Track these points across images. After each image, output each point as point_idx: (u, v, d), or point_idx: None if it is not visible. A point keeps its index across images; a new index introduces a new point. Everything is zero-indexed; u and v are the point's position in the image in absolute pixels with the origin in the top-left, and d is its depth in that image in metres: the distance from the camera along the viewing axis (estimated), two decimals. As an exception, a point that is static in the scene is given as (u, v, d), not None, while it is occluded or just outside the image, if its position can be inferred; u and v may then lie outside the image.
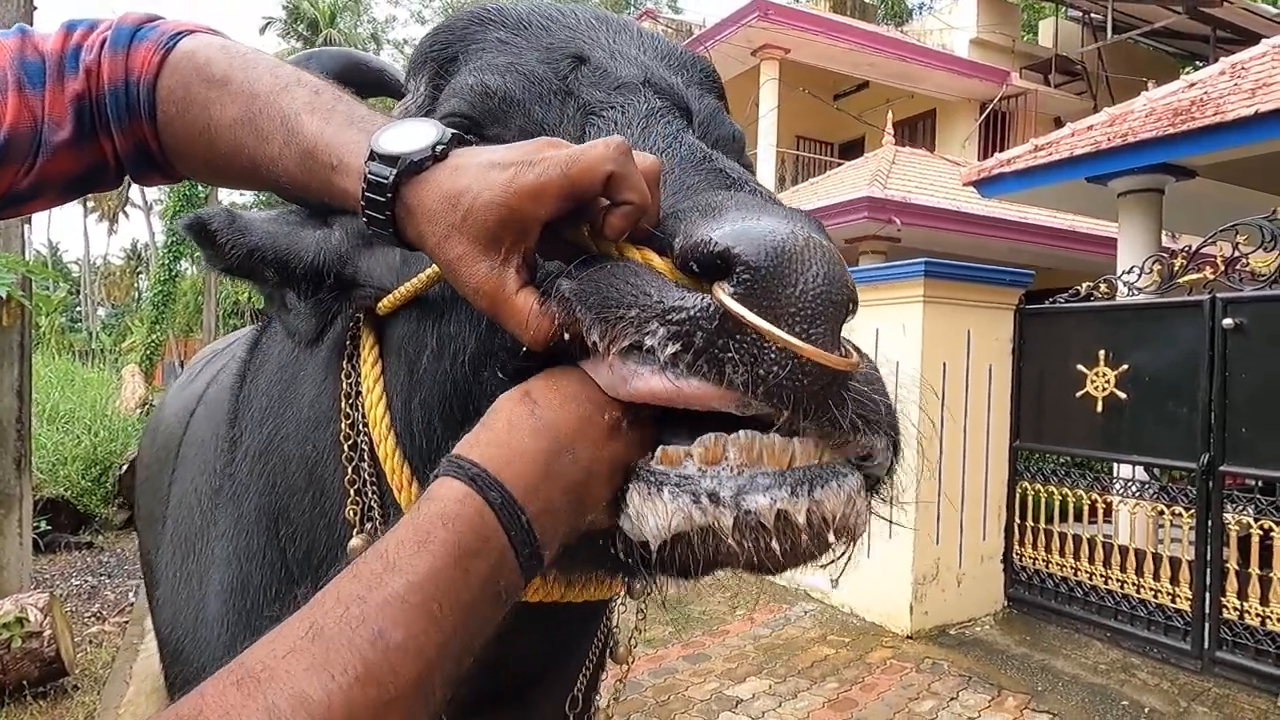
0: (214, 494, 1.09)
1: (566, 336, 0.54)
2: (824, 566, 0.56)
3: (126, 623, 5.38)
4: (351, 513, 0.82)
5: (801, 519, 0.49)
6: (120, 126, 0.74)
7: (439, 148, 0.59)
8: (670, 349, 0.49)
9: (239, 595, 1.00)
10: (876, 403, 0.53)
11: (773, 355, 0.48)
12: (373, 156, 0.60)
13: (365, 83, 0.98)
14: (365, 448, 0.81)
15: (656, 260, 0.54)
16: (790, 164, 15.87)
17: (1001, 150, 9.55)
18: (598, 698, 1.06)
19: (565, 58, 0.73)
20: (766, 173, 14.15)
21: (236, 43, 0.75)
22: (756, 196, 0.59)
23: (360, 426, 0.82)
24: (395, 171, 0.58)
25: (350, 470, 0.82)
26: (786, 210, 0.55)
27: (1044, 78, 15.72)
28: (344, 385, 0.83)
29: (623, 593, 0.97)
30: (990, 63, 15.25)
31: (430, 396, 0.71)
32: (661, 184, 0.58)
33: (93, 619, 5.48)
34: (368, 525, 0.82)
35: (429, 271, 0.71)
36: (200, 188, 17.78)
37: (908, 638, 5.15)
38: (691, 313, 0.49)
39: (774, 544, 0.49)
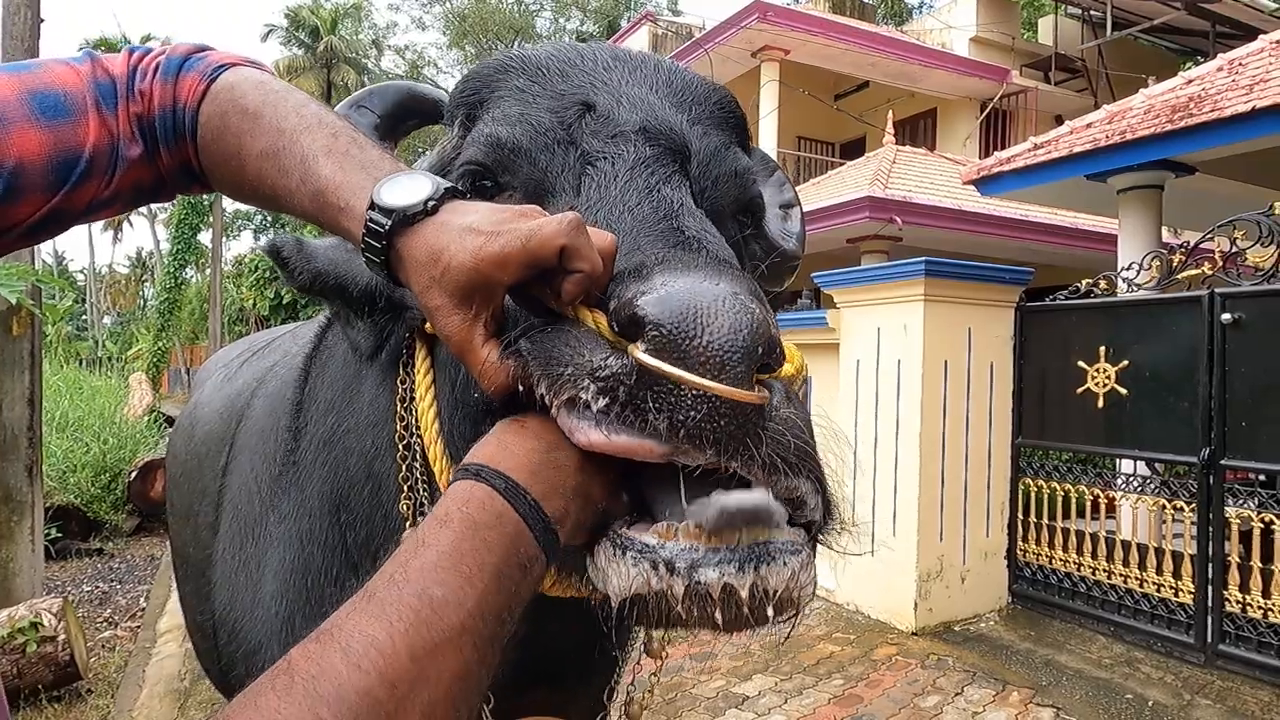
0: (274, 480, 1.16)
1: (522, 389, 0.61)
2: (770, 633, 0.61)
3: (139, 627, 5.44)
4: (405, 506, 0.89)
5: (745, 593, 0.54)
6: (168, 146, 0.82)
7: (430, 203, 0.66)
8: (600, 402, 0.55)
9: (300, 575, 1.07)
10: (792, 444, 0.57)
11: (689, 401, 0.54)
12: (372, 206, 0.67)
13: (423, 111, 1.04)
14: (418, 449, 0.88)
15: (601, 321, 0.60)
16: (792, 165, 15.91)
17: (1002, 148, 9.57)
18: (632, 689, 1.11)
19: (573, 105, 0.79)
20: (768, 174, 14.17)
21: (273, 79, 0.83)
22: (692, 254, 0.65)
23: (413, 429, 0.89)
24: (390, 223, 0.66)
25: (404, 468, 0.89)
26: (713, 269, 0.60)
27: (1044, 75, 15.74)
28: (400, 390, 0.90)
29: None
30: (990, 61, 15.28)
31: (472, 411, 0.78)
32: (619, 248, 0.65)
33: (105, 624, 5.54)
34: (419, 519, 0.88)
35: None
36: (204, 199, 17.87)
37: (913, 634, 5.18)
38: (614, 370, 0.56)
39: (718, 613, 0.54)
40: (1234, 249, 4.52)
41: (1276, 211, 4.33)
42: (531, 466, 0.58)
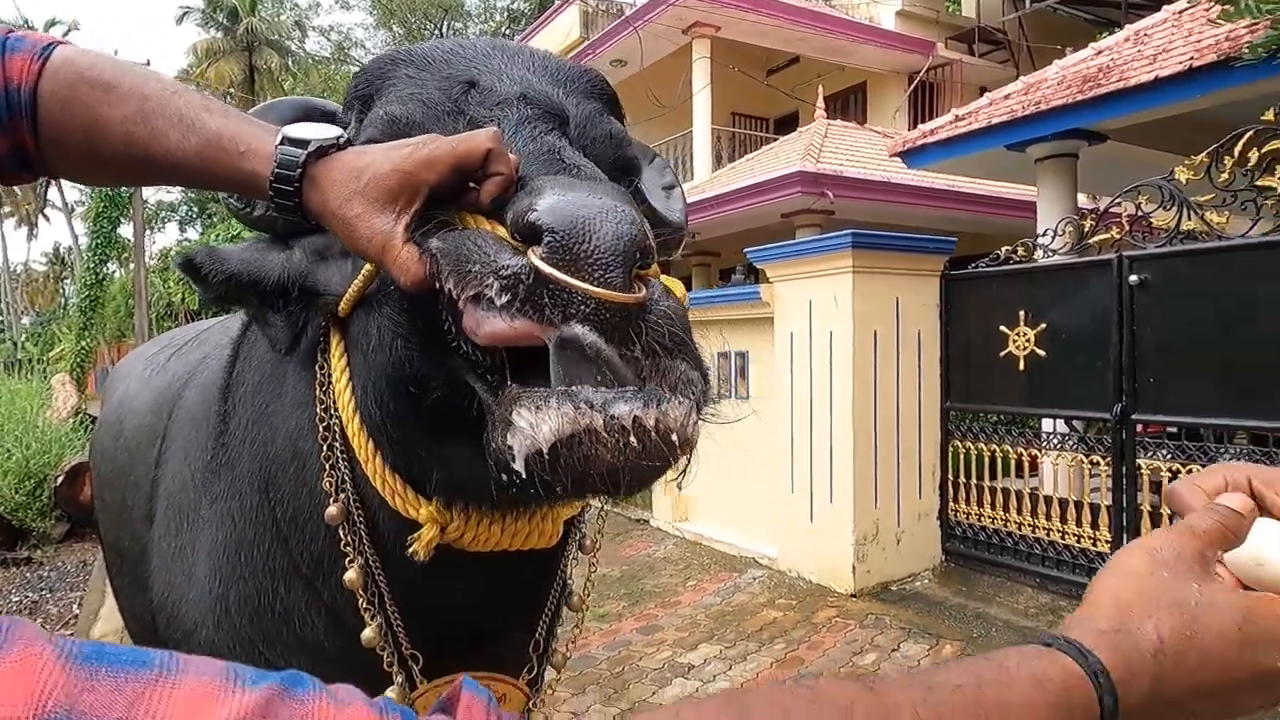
0: (206, 467, 1.21)
1: (437, 285, 0.67)
2: (672, 476, 0.69)
3: (72, 634, 5.28)
4: (328, 483, 0.97)
5: (651, 424, 0.62)
6: (2, 129, 0.81)
7: (342, 139, 0.74)
8: (503, 298, 0.63)
9: (233, 551, 1.11)
10: (668, 332, 0.66)
11: (579, 299, 0.62)
12: (284, 141, 0.73)
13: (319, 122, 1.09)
14: (337, 428, 0.95)
15: (501, 230, 0.67)
16: (726, 141, 15.99)
17: (931, 121, 9.79)
18: (555, 644, 1.17)
19: (459, 84, 0.87)
20: (702, 151, 14.25)
21: (109, 54, 0.85)
22: (575, 178, 0.73)
23: (332, 410, 0.96)
24: (306, 152, 0.72)
25: (325, 447, 0.97)
26: (593, 186, 0.68)
27: (968, 48, 16.07)
28: (318, 375, 0.98)
29: (574, 549, 1.11)
30: (916, 34, 15.52)
31: (380, 378, 0.86)
32: (519, 169, 0.73)
33: (36, 633, 5.38)
34: (341, 495, 0.96)
35: (365, 270, 0.85)
36: (123, 191, 17.16)
37: (851, 596, 5.36)
38: (515, 269, 0.63)
39: (632, 440, 0.61)
40: (1139, 213, 4.74)
41: (1177, 176, 4.54)
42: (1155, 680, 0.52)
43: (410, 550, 0.87)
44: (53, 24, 34.08)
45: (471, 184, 0.70)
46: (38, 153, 0.83)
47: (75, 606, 5.86)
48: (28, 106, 0.80)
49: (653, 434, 0.62)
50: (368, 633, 0.95)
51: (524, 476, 0.63)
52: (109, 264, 19.68)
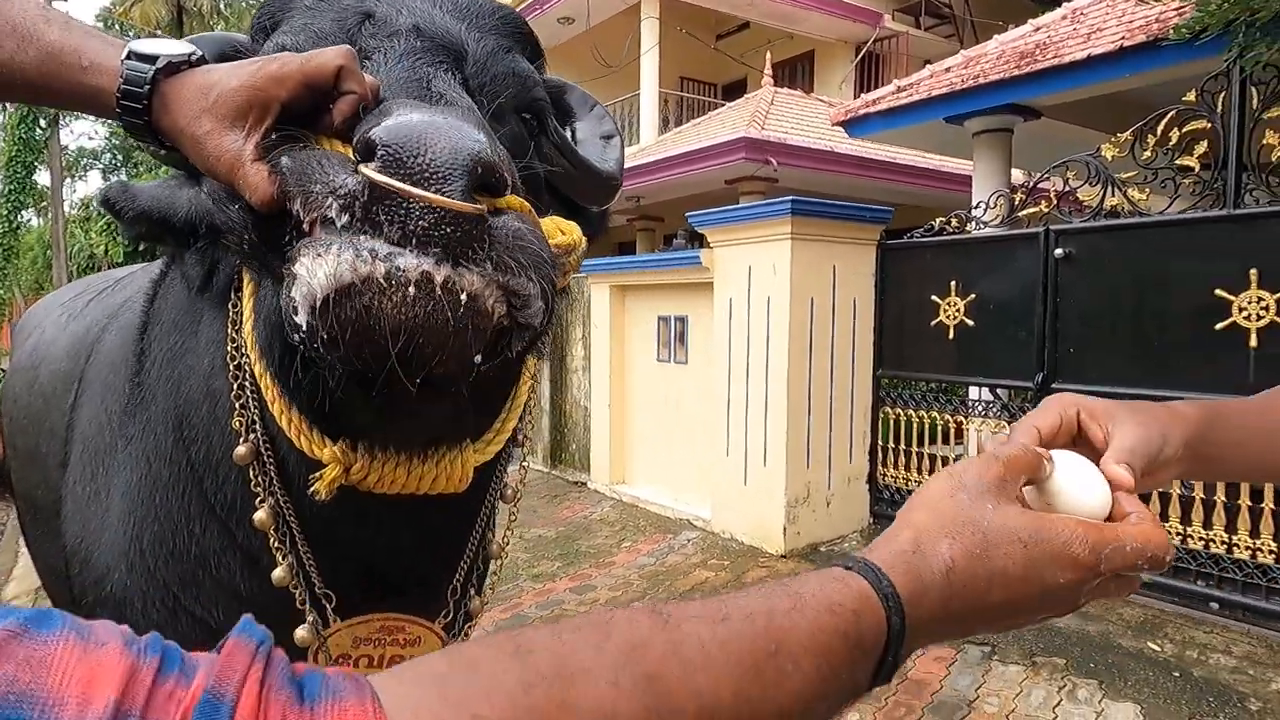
0: (122, 410, 1.19)
1: (287, 205, 0.65)
2: (475, 357, 0.66)
3: (-18, 596, 5.10)
4: (238, 423, 0.96)
5: (440, 279, 0.60)
6: None
7: (194, 56, 0.71)
8: (342, 218, 0.61)
9: (147, 491, 1.10)
10: (516, 246, 0.65)
11: (416, 212, 0.60)
12: (130, 56, 0.69)
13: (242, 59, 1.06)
14: (247, 368, 0.94)
15: (348, 150, 0.66)
16: (674, 105, 15.88)
17: (873, 92, 9.86)
18: (473, 586, 1.17)
19: (354, 14, 0.85)
20: (649, 114, 14.12)
21: None
22: (427, 104, 0.70)
23: (243, 349, 0.95)
24: (155, 69, 0.68)
25: (235, 386, 0.96)
26: (445, 110, 0.67)
27: (915, 20, 16.20)
28: (230, 313, 0.97)
29: (495, 498, 1.11)
30: (865, 5, 15.56)
31: (272, 313, 0.85)
32: (377, 92, 0.71)
33: (-57, 594, 5.17)
34: (251, 436, 0.95)
35: None
36: (39, 131, 16.24)
37: (782, 557, 5.49)
38: (351, 187, 0.61)
39: (413, 293, 0.59)
40: (1067, 188, 4.87)
41: (1103, 153, 4.67)
42: (938, 599, 0.56)
43: (312, 490, 0.86)
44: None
45: (330, 107, 0.68)
46: None
47: (-13, 567, 5.64)
48: None
49: (438, 291, 0.60)
50: (278, 572, 0.95)
51: (305, 330, 0.61)
52: (24, 212, 18.69)
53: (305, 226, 0.64)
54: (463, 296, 0.61)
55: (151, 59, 0.69)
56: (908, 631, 0.53)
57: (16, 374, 1.83)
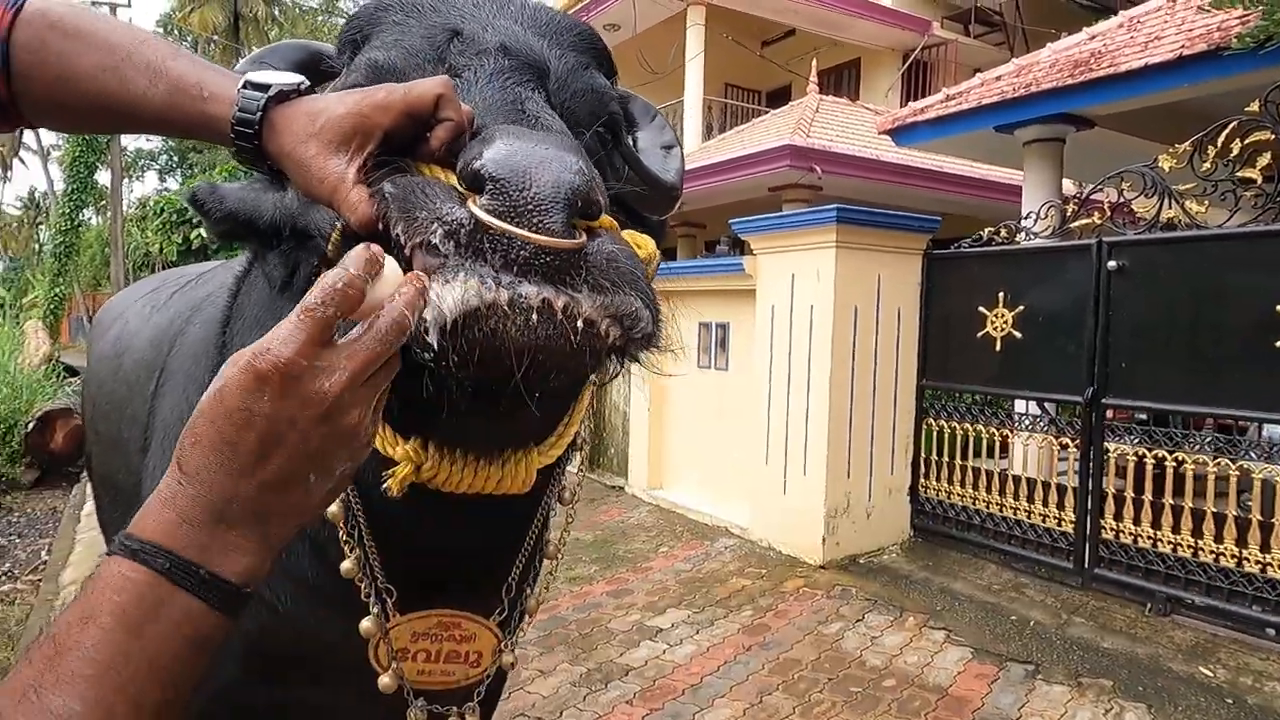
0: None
1: (382, 227, 0.68)
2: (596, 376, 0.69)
3: (40, 580, 5.28)
4: None
5: (560, 305, 0.64)
6: None
7: (303, 85, 0.76)
8: (447, 244, 0.64)
9: None
10: (610, 269, 0.67)
11: (518, 244, 0.63)
12: (245, 85, 0.75)
13: (321, 70, 1.11)
14: None
15: (452, 178, 0.69)
16: (718, 112, 15.86)
17: (921, 100, 9.76)
18: (529, 586, 1.19)
19: (443, 31, 0.89)
20: (693, 120, 14.13)
21: (81, 6, 0.87)
22: (526, 127, 0.74)
23: None
24: (266, 96, 0.74)
25: None
26: (544, 136, 0.69)
27: (965, 28, 15.98)
28: None
29: (553, 500, 1.13)
30: (913, 12, 15.40)
31: None
32: (473, 120, 0.75)
33: (4, 578, 5.36)
34: None
35: None
36: (100, 137, 16.77)
37: (820, 568, 5.44)
38: (458, 217, 0.64)
39: (534, 320, 0.63)
40: (1121, 199, 4.77)
41: (1160, 164, 4.57)
42: (208, 517, 0.54)
43: (384, 487, 0.88)
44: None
45: (428, 135, 0.72)
46: (13, 103, 0.85)
47: (44, 553, 5.84)
48: (0, 57, 0.82)
49: (559, 316, 0.63)
50: (346, 564, 0.98)
51: (435, 350, 0.63)
52: (85, 211, 19.31)
53: (406, 251, 0.66)
54: (579, 323, 0.65)
55: (264, 88, 0.74)
56: (200, 558, 0.53)
57: (101, 362, 1.91)
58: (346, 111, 0.70)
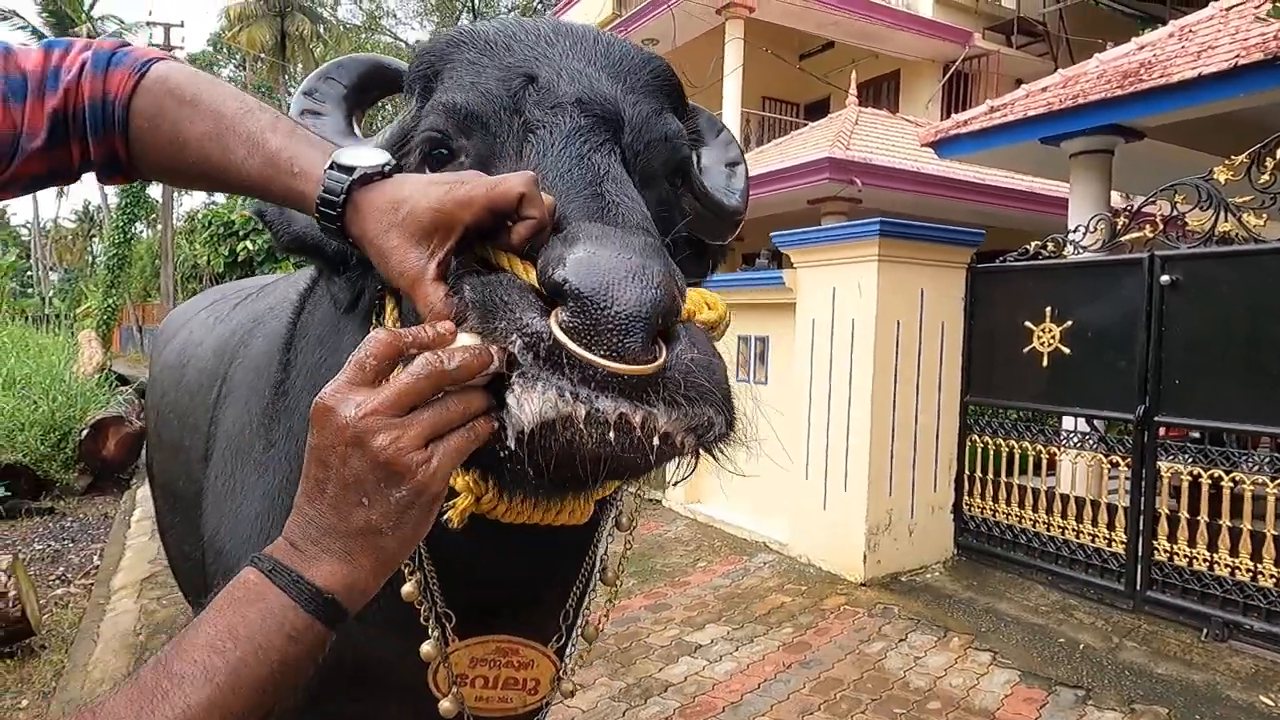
0: (263, 411, 1.26)
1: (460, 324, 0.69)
2: (664, 474, 0.70)
3: (92, 584, 5.41)
4: None
5: (637, 421, 0.63)
6: (95, 137, 0.89)
7: (387, 167, 0.76)
8: (526, 356, 0.64)
9: (285, 495, 1.16)
10: (687, 384, 0.67)
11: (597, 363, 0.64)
12: (332, 166, 0.76)
13: (387, 82, 1.13)
14: None
15: (532, 273, 0.68)
16: (756, 125, 15.85)
17: (964, 112, 9.66)
18: (587, 611, 1.20)
19: (519, 76, 0.87)
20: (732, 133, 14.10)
21: (201, 72, 0.92)
22: (610, 224, 0.74)
23: None
24: (350, 179, 0.75)
25: None
26: (626, 240, 0.68)
27: (1006, 39, 15.80)
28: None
29: (610, 526, 1.14)
30: (953, 23, 15.27)
31: None
32: (554, 211, 0.74)
33: (57, 581, 5.50)
34: None
35: None
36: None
37: (861, 585, 5.36)
38: (537, 330, 0.64)
39: (611, 436, 0.63)
40: (1174, 213, 4.66)
41: (1216, 176, 4.46)
42: (300, 536, 0.63)
43: (444, 517, 0.89)
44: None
45: (510, 224, 0.72)
46: (129, 160, 0.91)
47: (96, 558, 5.98)
48: (121, 120, 0.88)
49: (637, 433, 0.63)
50: (407, 588, 0.98)
51: (512, 451, 0.65)
52: (137, 224, 19.89)
53: None
54: (655, 439, 0.65)
55: (349, 170, 0.75)
56: (291, 563, 0.62)
57: (165, 371, 1.95)
58: (428, 206, 0.70)
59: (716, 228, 1.10)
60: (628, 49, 0.96)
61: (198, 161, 0.85)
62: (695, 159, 1.10)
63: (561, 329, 0.63)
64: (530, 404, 0.63)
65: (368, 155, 0.77)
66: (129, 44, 0.93)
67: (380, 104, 1.28)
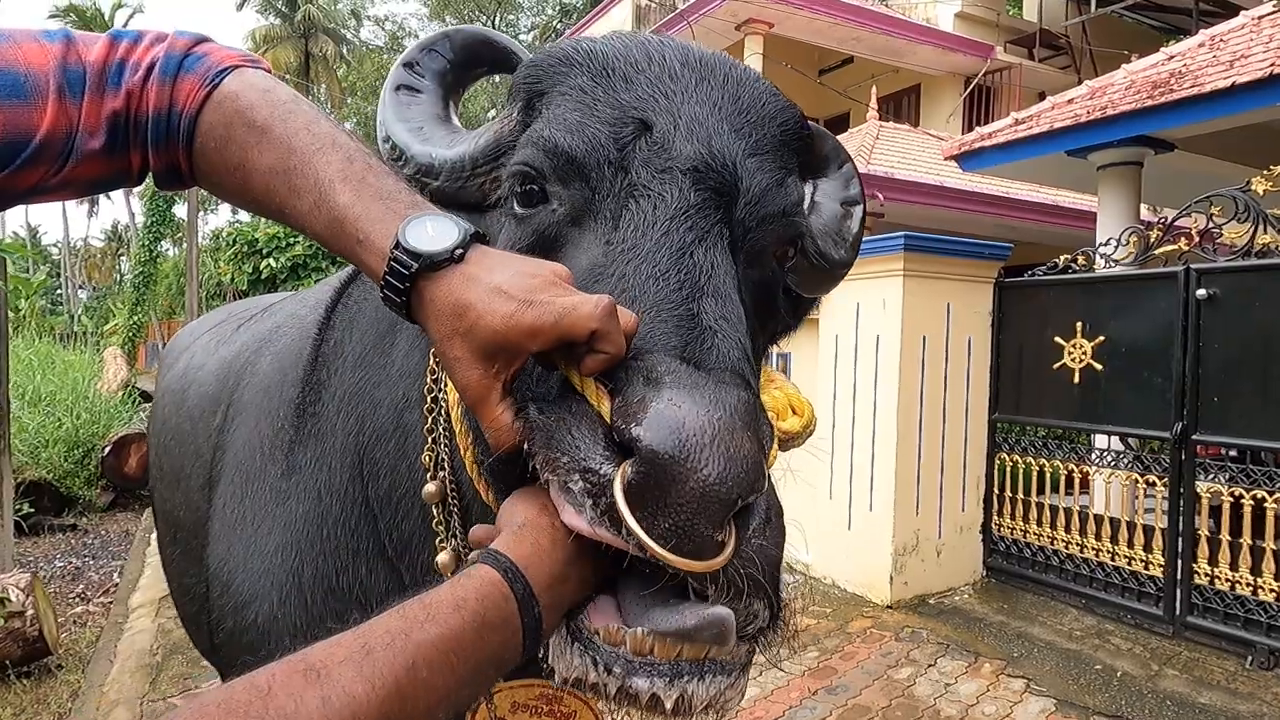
0: (276, 435, 1.20)
1: (524, 449, 0.66)
2: None
3: (111, 603, 5.39)
4: (427, 458, 0.96)
5: (669, 704, 0.60)
6: (157, 148, 0.81)
7: (457, 251, 0.68)
8: (586, 500, 0.60)
9: (315, 526, 1.11)
10: (746, 577, 0.61)
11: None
12: (397, 246, 0.69)
13: (494, 59, 1.04)
14: (444, 403, 0.93)
15: (605, 406, 0.63)
16: (775, 140, 15.79)
17: (987, 125, 9.56)
18: None
19: (632, 123, 0.78)
20: (751, 149, 14.08)
21: (279, 86, 0.83)
22: (702, 374, 0.65)
23: (442, 383, 0.93)
24: (417, 266, 0.68)
25: (430, 420, 0.95)
26: (716, 396, 0.61)
27: (1028, 52, 15.68)
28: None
29: None
30: (975, 37, 15.19)
31: None
32: (640, 324, 0.68)
33: (77, 599, 5.49)
34: (440, 473, 0.94)
35: None
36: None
37: (888, 607, 5.23)
38: (602, 479, 0.59)
39: (642, 711, 0.61)
40: (1210, 225, 4.53)
41: (1254, 188, 4.33)
42: (549, 580, 0.62)
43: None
44: (119, 6, 34.96)
45: (583, 346, 0.66)
46: (191, 174, 0.84)
47: (116, 575, 5.97)
48: (186, 134, 0.81)
49: (668, 709, 0.61)
50: None
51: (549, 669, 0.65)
52: (163, 242, 20.16)
53: (541, 477, 0.64)
54: (692, 715, 0.62)
55: (416, 257, 0.68)
56: (536, 588, 0.60)
57: (166, 396, 1.89)
58: (493, 328, 0.64)
59: (816, 281, 0.97)
60: (759, 94, 0.85)
61: (262, 195, 0.79)
62: (810, 191, 0.99)
63: (626, 490, 0.57)
64: (560, 666, 0.62)
65: (435, 232, 0.69)
66: (207, 40, 0.84)
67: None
